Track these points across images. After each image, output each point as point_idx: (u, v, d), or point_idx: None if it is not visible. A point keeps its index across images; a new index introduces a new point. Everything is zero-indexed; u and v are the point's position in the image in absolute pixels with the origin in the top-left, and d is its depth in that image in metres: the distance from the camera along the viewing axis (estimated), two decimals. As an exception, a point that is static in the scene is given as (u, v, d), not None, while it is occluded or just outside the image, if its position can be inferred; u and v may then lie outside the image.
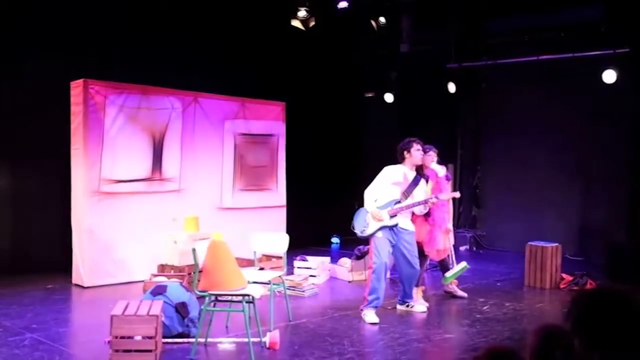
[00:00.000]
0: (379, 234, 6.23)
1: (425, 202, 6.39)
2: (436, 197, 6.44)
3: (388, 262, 6.46)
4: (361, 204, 6.42)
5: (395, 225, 6.27)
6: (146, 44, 8.66)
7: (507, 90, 10.84)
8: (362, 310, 6.27)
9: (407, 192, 6.34)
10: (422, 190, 6.48)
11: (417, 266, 6.45)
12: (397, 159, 6.46)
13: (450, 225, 7.14)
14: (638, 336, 1.74)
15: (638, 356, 1.73)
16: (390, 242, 6.27)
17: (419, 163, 6.46)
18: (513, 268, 8.92)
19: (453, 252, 7.24)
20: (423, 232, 6.79)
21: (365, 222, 6.29)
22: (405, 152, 6.39)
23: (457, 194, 7.01)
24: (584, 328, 1.80)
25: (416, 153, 6.37)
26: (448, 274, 7.07)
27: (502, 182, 11.07)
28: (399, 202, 6.28)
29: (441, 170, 7.10)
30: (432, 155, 6.95)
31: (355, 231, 6.40)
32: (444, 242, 6.96)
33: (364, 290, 6.41)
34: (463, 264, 7.12)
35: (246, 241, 6.38)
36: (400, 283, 6.65)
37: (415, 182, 6.38)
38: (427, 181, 6.71)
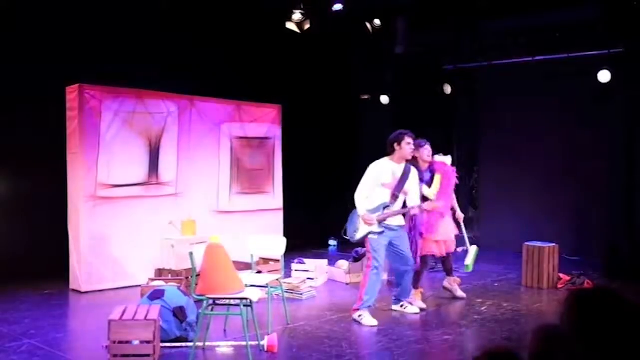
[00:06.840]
0: (372, 236, 6.17)
1: (408, 210, 6.24)
2: (419, 207, 6.25)
3: (385, 263, 6.43)
4: (354, 206, 6.29)
5: (383, 232, 6.18)
6: (141, 48, 8.64)
7: (503, 91, 10.86)
8: (356, 310, 6.20)
9: (398, 190, 6.20)
10: (415, 182, 6.32)
11: (412, 263, 6.36)
12: (386, 151, 6.28)
13: (459, 212, 7.03)
14: (634, 336, 1.75)
15: (636, 356, 1.74)
16: (384, 240, 6.19)
17: (409, 157, 6.29)
18: (510, 268, 8.92)
19: (466, 236, 7.20)
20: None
21: (356, 226, 6.23)
22: (395, 144, 6.19)
23: (441, 204, 6.61)
24: (581, 328, 1.80)
25: (406, 147, 6.19)
26: (468, 261, 6.98)
27: (498, 182, 11.07)
28: (388, 206, 6.17)
29: (448, 160, 6.95)
30: (428, 149, 6.76)
31: (346, 236, 6.33)
32: (446, 231, 6.83)
33: (359, 290, 6.33)
34: (474, 247, 7.15)
35: (243, 244, 6.38)
36: (396, 283, 6.57)
37: (405, 177, 6.23)
38: (427, 179, 6.65)
